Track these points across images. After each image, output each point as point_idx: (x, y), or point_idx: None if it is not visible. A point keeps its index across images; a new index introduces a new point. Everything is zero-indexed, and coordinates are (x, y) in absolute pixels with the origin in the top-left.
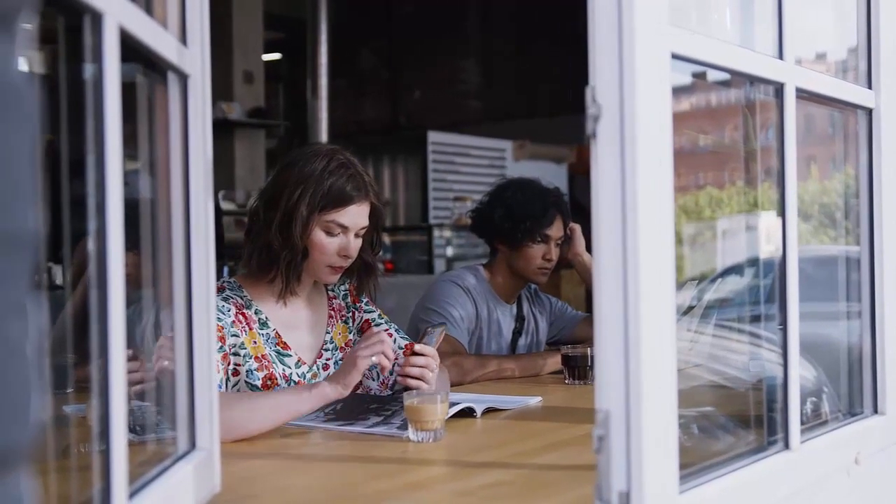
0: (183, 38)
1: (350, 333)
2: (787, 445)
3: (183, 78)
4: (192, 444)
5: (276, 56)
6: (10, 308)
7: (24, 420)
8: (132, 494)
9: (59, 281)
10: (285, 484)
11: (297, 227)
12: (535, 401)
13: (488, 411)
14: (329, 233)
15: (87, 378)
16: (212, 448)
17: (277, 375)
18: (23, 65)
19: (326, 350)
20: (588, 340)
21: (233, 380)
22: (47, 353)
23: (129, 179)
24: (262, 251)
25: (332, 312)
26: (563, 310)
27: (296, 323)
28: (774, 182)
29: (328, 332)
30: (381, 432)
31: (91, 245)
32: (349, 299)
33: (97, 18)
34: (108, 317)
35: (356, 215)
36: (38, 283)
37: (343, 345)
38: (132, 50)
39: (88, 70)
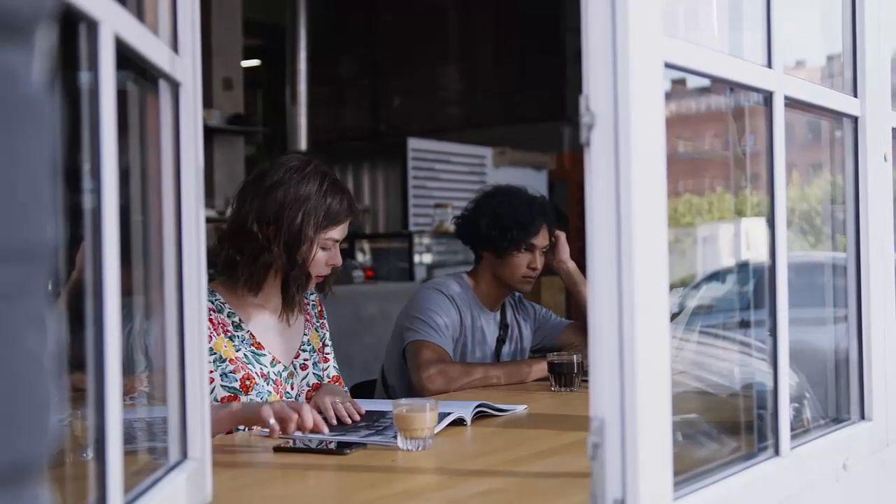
0: (175, 47)
1: (320, 341)
2: (777, 452)
3: (174, 86)
4: (184, 454)
5: (255, 62)
6: (30, 320)
7: (44, 432)
8: None
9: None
10: (276, 494)
11: (304, 249)
12: (521, 409)
13: (478, 417)
14: (324, 248)
15: (73, 387)
16: (203, 458)
17: (255, 374)
18: (41, 75)
19: (304, 350)
20: (572, 347)
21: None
22: (64, 365)
23: (119, 188)
24: (262, 270)
25: (308, 316)
26: (548, 317)
27: (272, 325)
28: (756, 189)
29: (305, 334)
30: (376, 441)
31: (87, 254)
32: (316, 310)
33: (93, 26)
34: (103, 327)
35: (346, 228)
36: (52, 296)
37: (316, 348)
38: (124, 57)
39: (83, 77)
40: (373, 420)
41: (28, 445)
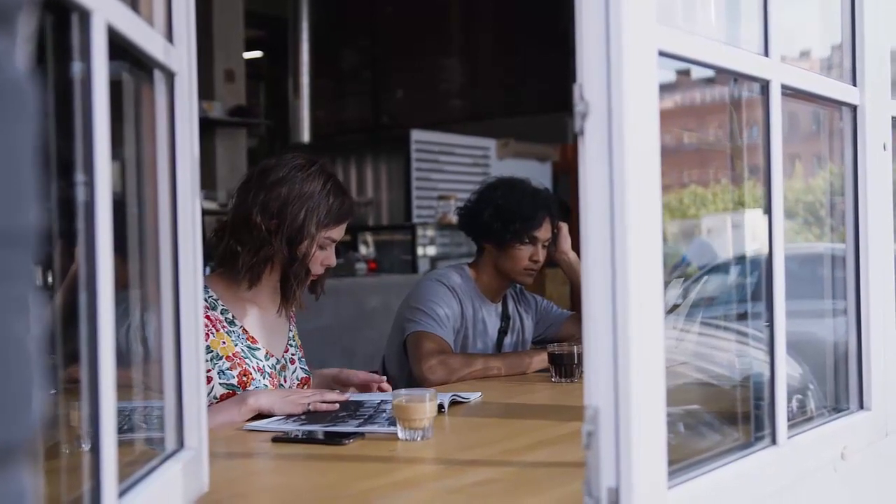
0: (169, 37)
1: (298, 338)
2: (774, 441)
3: (170, 76)
4: (181, 444)
5: (257, 54)
6: (14, 304)
7: (27, 415)
8: (121, 493)
9: (39, 282)
10: (273, 483)
11: (305, 245)
12: (475, 396)
13: (453, 404)
14: (321, 247)
15: (72, 378)
16: (200, 447)
17: (252, 370)
18: (23, 61)
19: (291, 346)
20: (574, 339)
21: (206, 388)
22: (47, 349)
23: (114, 179)
24: (263, 263)
25: (293, 314)
26: (549, 308)
27: (262, 321)
28: (759, 180)
29: (291, 330)
30: (374, 430)
31: (80, 246)
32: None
33: (85, 16)
34: (97, 317)
35: (343, 230)
36: (37, 280)
37: (299, 345)
38: (118, 48)
39: (76, 68)
40: (353, 410)
41: (11, 428)
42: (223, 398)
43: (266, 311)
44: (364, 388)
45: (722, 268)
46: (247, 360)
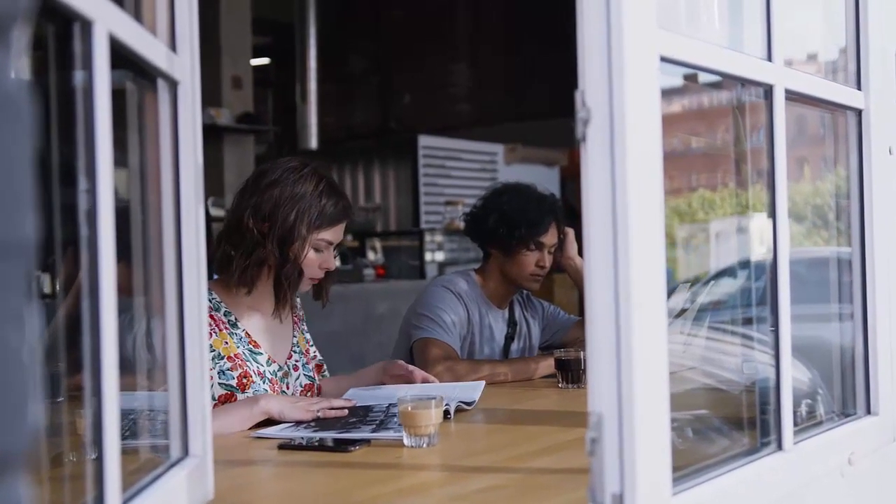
0: (172, 45)
1: (306, 343)
2: (780, 446)
3: (173, 85)
4: (185, 451)
5: (264, 61)
6: (9, 315)
7: (23, 426)
8: (125, 501)
9: (46, 290)
10: (278, 491)
11: (296, 246)
12: (479, 385)
13: (459, 411)
14: (317, 249)
15: (79, 386)
16: (205, 455)
17: (252, 372)
18: (18, 72)
19: (295, 352)
20: (580, 344)
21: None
22: (43, 360)
23: (118, 187)
24: (256, 266)
25: (296, 320)
26: (556, 314)
27: (265, 327)
28: (766, 184)
29: (294, 336)
30: (388, 436)
31: (82, 253)
32: (301, 314)
33: (87, 26)
34: (100, 326)
35: (341, 232)
36: (33, 291)
37: (304, 351)
38: (121, 56)
39: (78, 77)
40: (363, 416)
41: (7, 439)
42: (222, 399)
43: (268, 317)
44: (405, 379)
45: (730, 272)
46: (247, 363)
